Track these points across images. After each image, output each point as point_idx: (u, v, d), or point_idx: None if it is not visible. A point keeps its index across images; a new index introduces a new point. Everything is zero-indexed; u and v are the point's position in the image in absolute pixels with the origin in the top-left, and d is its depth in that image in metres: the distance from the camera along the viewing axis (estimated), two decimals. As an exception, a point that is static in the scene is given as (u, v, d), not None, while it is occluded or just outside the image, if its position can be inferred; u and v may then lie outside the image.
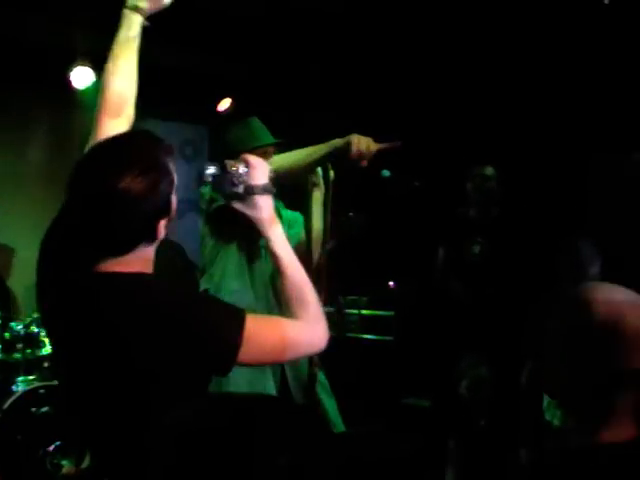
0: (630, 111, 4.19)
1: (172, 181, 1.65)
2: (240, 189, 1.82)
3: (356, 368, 4.79)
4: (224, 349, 1.62)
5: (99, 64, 1.89)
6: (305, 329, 1.76)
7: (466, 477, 3.45)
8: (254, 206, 1.85)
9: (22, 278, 5.28)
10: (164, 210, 1.64)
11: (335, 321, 5.09)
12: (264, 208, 1.85)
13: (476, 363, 3.63)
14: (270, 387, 2.93)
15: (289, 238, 1.96)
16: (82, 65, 5.30)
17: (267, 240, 1.86)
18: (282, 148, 3.07)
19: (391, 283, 5.31)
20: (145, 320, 1.59)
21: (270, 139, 3.09)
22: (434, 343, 4.23)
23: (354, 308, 5.24)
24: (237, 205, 1.85)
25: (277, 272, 1.85)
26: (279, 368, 2.95)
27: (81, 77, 5.37)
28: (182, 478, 1.17)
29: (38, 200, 5.32)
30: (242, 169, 1.81)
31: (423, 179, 2.93)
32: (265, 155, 2.95)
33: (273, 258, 1.87)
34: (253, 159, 1.85)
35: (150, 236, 1.64)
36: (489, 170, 4.09)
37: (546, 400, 3.38)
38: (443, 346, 4.05)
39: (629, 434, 1.48)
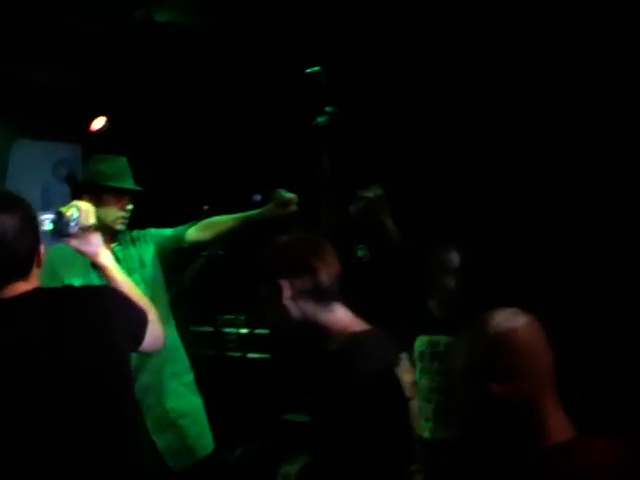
0: (497, 125, 4.42)
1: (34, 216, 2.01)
2: (75, 229, 2.25)
3: (236, 387, 4.83)
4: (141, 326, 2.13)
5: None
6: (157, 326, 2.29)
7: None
8: (88, 242, 2.33)
9: None
10: (39, 239, 2.00)
11: (214, 340, 5.12)
12: (95, 244, 2.35)
13: None
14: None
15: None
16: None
17: (102, 268, 2.36)
18: (138, 196, 3.18)
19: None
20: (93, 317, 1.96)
21: (130, 184, 3.17)
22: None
23: (232, 327, 5.28)
24: (73, 243, 2.31)
25: None
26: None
27: None
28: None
29: None
30: (76, 213, 2.24)
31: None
32: (121, 198, 3.08)
33: (110, 281, 2.34)
34: (83, 204, 2.30)
35: (39, 261, 1.98)
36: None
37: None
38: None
39: (568, 434, 1.59)
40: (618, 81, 3.83)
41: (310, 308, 2.07)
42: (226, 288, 4.96)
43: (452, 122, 4.58)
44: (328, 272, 2.05)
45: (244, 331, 5.26)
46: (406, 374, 2.09)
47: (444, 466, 3.40)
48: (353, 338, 2.04)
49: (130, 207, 3.16)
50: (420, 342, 3.51)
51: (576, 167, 4.03)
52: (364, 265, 4.05)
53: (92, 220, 2.31)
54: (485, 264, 3.77)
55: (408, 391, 2.05)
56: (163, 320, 3.22)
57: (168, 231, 3.28)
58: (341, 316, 2.09)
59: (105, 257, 2.38)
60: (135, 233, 3.27)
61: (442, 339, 3.45)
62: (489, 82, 4.37)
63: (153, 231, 3.31)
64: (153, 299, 3.16)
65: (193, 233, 3.20)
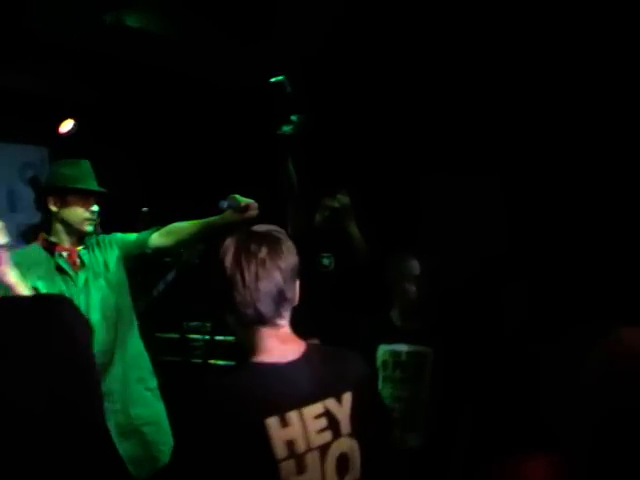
0: (461, 134, 4.47)
1: None
2: None
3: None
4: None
5: None
6: None
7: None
8: None
9: None
10: None
11: (180, 347, 5.11)
12: (4, 262, 2.39)
13: None
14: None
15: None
16: None
17: (10, 287, 2.38)
18: (103, 199, 3.19)
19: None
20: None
21: (94, 186, 3.19)
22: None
23: (198, 334, 5.27)
24: None
25: None
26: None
27: None
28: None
29: None
30: None
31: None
32: (86, 200, 3.10)
33: None
34: None
35: None
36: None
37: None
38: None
39: None
40: (583, 94, 3.89)
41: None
42: (192, 295, 4.94)
43: (416, 131, 4.62)
44: (244, 289, 1.70)
45: (210, 338, 5.24)
46: (289, 428, 1.67)
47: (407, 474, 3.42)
48: (236, 375, 1.77)
49: (95, 208, 3.18)
50: (382, 351, 3.52)
51: (539, 173, 4.08)
52: (329, 273, 4.07)
53: (6, 239, 2.36)
54: (448, 273, 3.79)
55: (282, 448, 1.65)
56: (128, 325, 3.23)
57: (132, 236, 3.29)
58: (257, 341, 1.75)
59: (11, 276, 2.44)
60: (101, 237, 3.28)
61: (404, 348, 3.47)
62: (453, 91, 4.41)
63: (118, 236, 3.33)
64: (118, 303, 3.18)
65: (156, 238, 3.21)
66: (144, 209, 3.55)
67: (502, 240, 4.23)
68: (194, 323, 5.31)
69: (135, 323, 3.29)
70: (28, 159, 6.10)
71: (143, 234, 3.25)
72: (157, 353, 3.54)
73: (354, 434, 1.76)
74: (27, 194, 5.57)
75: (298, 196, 3.83)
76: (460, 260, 4.19)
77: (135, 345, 3.27)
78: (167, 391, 3.42)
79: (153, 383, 3.34)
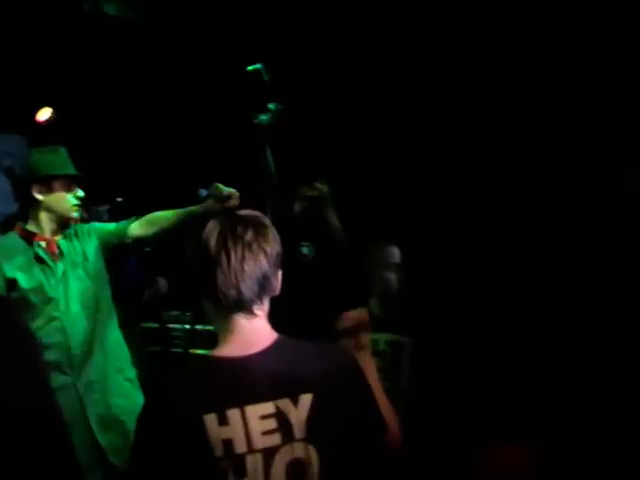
0: (442, 123, 4.48)
1: None
2: None
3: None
4: None
5: None
6: None
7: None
8: None
9: None
10: None
11: (160, 337, 5.10)
12: None
13: None
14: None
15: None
16: None
17: None
18: (81, 183, 3.18)
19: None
20: None
21: (74, 171, 3.17)
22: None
23: (178, 323, 5.26)
24: None
25: None
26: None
27: None
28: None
29: None
30: None
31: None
32: (70, 186, 3.08)
33: None
34: None
35: None
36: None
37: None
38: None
39: None
40: (561, 90, 3.91)
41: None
42: (172, 284, 4.94)
43: (395, 120, 4.63)
44: (228, 269, 1.64)
45: (190, 327, 5.23)
46: (227, 427, 1.56)
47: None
48: (187, 369, 1.75)
49: (81, 193, 3.17)
50: (361, 340, 3.54)
51: (517, 167, 4.10)
52: (308, 263, 4.07)
53: None
54: (426, 264, 3.81)
55: (219, 447, 1.54)
56: (107, 315, 3.23)
57: (111, 226, 3.28)
58: (226, 330, 1.70)
59: None
60: (79, 227, 3.26)
61: (383, 337, 3.48)
62: (432, 80, 4.42)
63: (97, 225, 3.32)
64: (97, 293, 3.17)
65: (135, 228, 3.19)
66: (119, 199, 3.53)
67: (480, 231, 4.25)
68: (174, 312, 5.30)
69: (114, 313, 3.29)
70: (6, 148, 6.05)
71: (122, 224, 3.24)
72: (137, 343, 3.53)
73: (310, 439, 1.61)
74: (4, 183, 5.53)
75: (277, 185, 3.82)
76: (439, 251, 4.21)
77: (114, 335, 3.26)
78: (147, 381, 3.42)
79: (132, 373, 3.34)
